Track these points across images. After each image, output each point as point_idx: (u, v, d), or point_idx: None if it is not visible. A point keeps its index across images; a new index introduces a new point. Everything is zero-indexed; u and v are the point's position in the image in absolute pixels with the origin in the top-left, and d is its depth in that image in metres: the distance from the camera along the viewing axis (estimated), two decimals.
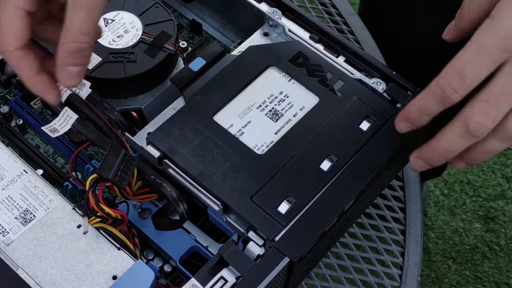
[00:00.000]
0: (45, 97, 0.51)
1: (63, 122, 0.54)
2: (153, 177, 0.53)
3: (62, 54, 0.49)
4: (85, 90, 0.56)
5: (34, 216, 0.52)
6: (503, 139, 0.48)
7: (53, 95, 0.51)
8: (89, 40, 0.49)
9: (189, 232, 0.56)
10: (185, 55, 0.65)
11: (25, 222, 0.51)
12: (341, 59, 0.60)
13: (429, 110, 0.49)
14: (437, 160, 0.50)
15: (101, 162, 0.50)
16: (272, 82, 0.58)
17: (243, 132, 0.55)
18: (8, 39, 0.49)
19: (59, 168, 0.61)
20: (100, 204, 0.50)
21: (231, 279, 0.49)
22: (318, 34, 0.61)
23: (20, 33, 0.49)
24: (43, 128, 0.55)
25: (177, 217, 0.54)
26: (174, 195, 0.53)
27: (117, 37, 0.61)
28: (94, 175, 0.50)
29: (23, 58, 0.49)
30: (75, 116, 0.54)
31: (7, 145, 0.55)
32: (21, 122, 0.61)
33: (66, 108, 0.54)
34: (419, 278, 0.65)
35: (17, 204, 0.52)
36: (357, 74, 0.59)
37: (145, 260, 0.56)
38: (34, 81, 0.50)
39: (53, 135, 0.54)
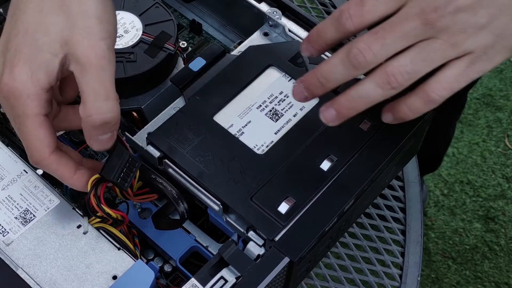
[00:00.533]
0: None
1: None
2: (153, 177, 0.53)
3: (88, 129, 0.46)
4: None
5: (34, 216, 0.52)
6: (380, 82, 0.46)
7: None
8: (113, 106, 0.46)
9: (189, 232, 0.56)
10: (185, 55, 0.65)
11: (25, 222, 0.51)
12: None
13: (325, 33, 0.47)
14: (314, 85, 0.47)
15: (104, 163, 0.50)
16: (272, 82, 0.58)
17: (243, 132, 0.55)
18: (39, 149, 0.47)
19: None
20: (102, 205, 0.50)
21: (231, 279, 0.49)
22: None
23: (48, 138, 0.47)
24: None
25: (177, 217, 0.54)
26: (175, 194, 0.53)
27: (117, 37, 0.61)
28: (96, 176, 0.50)
29: (58, 161, 0.48)
30: None
31: (7, 145, 0.55)
32: None
33: None
34: (419, 278, 0.65)
35: (17, 204, 0.52)
36: None
37: (145, 260, 0.56)
38: (75, 179, 0.49)
39: None
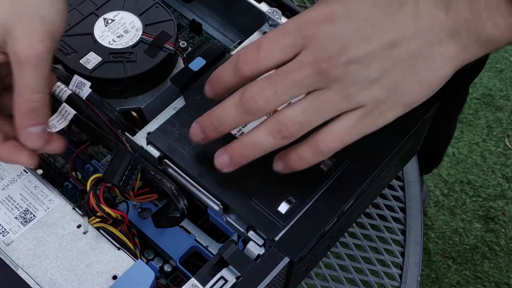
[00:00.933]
0: (17, 162, 0.51)
1: (61, 118, 0.54)
2: (153, 173, 0.53)
3: (18, 117, 0.49)
4: (85, 90, 0.56)
5: (34, 216, 0.52)
6: (271, 130, 0.45)
7: (24, 157, 0.50)
8: (42, 97, 0.49)
9: (189, 232, 0.56)
10: (185, 55, 0.65)
11: (25, 222, 0.51)
12: None
13: (224, 78, 0.47)
14: (209, 128, 0.47)
15: (106, 166, 0.51)
16: None
17: (243, 132, 0.55)
18: None
19: (59, 168, 0.61)
20: (101, 204, 0.50)
21: (231, 279, 0.49)
22: None
23: None
24: None
25: (177, 215, 0.54)
26: (174, 190, 0.52)
27: (117, 37, 0.61)
28: (95, 176, 0.50)
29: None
30: (73, 112, 0.54)
31: None
32: None
33: (64, 104, 0.54)
34: (419, 278, 0.65)
35: (17, 204, 0.52)
36: None
37: (145, 260, 0.56)
38: (1, 150, 0.50)
39: (52, 130, 0.54)
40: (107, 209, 0.50)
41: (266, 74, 0.45)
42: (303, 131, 0.45)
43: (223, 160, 0.47)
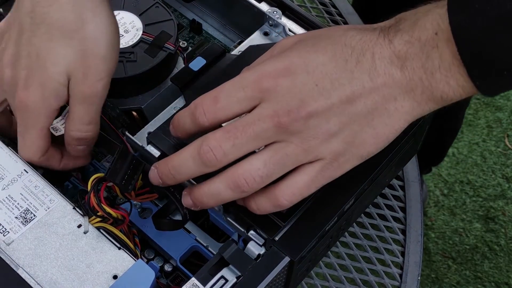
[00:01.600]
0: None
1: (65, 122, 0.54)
2: None
3: (68, 139, 0.53)
4: None
5: (34, 215, 0.52)
6: (231, 184, 0.45)
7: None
8: (92, 129, 0.52)
9: (189, 232, 0.56)
10: (185, 55, 0.65)
11: (25, 221, 0.51)
12: None
13: (184, 124, 0.47)
14: (166, 176, 0.48)
15: (109, 165, 0.51)
16: None
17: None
18: (34, 153, 0.53)
19: None
20: (102, 204, 0.50)
21: (232, 279, 0.49)
22: None
23: (44, 148, 0.53)
24: None
25: (178, 217, 0.54)
26: (177, 195, 0.52)
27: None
28: (96, 175, 0.50)
29: (47, 160, 0.54)
30: None
31: (7, 145, 0.55)
32: None
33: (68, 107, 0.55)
34: (419, 278, 0.65)
35: (18, 203, 0.52)
36: None
37: (145, 260, 0.56)
38: (62, 166, 0.56)
39: (55, 134, 0.54)
40: (108, 209, 0.50)
41: (224, 124, 0.46)
42: (263, 184, 0.45)
43: (187, 201, 0.48)
